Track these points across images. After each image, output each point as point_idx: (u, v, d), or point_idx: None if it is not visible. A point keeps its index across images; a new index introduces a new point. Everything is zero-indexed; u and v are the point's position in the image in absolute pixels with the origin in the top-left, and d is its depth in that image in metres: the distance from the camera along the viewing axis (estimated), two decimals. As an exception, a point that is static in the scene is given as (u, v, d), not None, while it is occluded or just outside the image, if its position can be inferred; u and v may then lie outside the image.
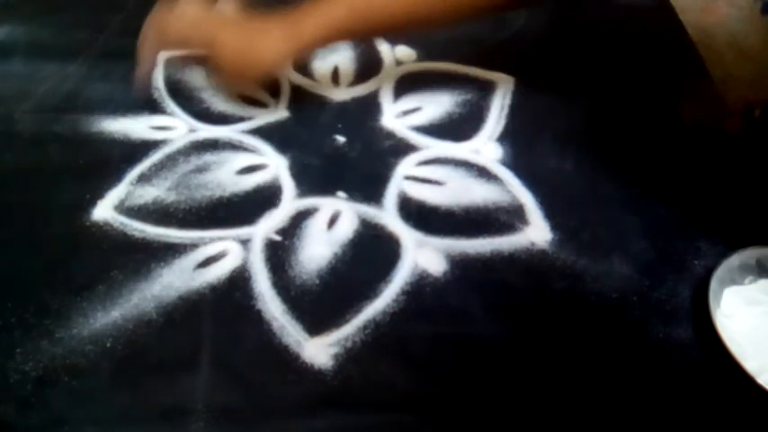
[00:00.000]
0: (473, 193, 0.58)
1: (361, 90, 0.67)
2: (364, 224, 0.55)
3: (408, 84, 0.68)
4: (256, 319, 0.47)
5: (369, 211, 0.56)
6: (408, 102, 0.66)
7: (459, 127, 0.64)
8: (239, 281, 0.50)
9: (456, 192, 0.58)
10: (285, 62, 0.65)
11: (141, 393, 0.43)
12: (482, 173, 0.60)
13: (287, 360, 0.45)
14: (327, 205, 0.56)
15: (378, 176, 0.59)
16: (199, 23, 0.60)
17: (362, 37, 0.71)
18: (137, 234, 0.52)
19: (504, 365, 0.47)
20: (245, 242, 0.53)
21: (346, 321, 0.48)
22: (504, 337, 0.48)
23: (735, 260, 0.51)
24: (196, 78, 0.67)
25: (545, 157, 0.61)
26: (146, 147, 0.59)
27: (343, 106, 0.65)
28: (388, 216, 0.55)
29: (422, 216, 0.55)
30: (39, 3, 0.74)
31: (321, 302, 0.49)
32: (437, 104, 0.66)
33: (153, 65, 0.66)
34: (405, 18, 0.59)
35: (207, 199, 0.56)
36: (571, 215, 0.56)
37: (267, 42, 0.58)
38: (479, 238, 0.54)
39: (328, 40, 0.61)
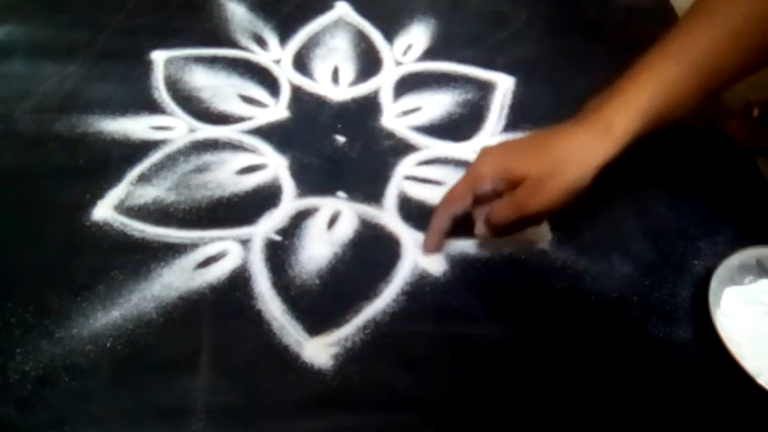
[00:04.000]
0: (473, 193, 0.58)
1: (361, 90, 0.67)
2: (364, 224, 0.55)
3: (408, 84, 0.68)
4: (256, 319, 0.47)
5: (369, 211, 0.56)
6: (408, 102, 0.66)
7: (459, 127, 0.64)
8: (239, 281, 0.50)
9: (456, 192, 0.58)
10: (596, 176, 0.46)
11: (141, 393, 0.43)
12: (482, 173, 0.59)
13: (287, 360, 0.45)
14: (327, 205, 0.56)
15: (378, 176, 0.59)
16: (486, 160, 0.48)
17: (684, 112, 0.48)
18: (137, 234, 0.52)
19: (504, 365, 0.47)
20: (245, 242, 0.53)
21: (346, 321, 0.48)
22: (504, 337, 0.48)
23: (735, 260, 0.51)
24: (196, 78, 0.67)
25: (545, 157, 0.61)
26: (146, 147, 0.59)
27: (343, 106, 0.65)
28: (388, 216, 0.55)
29: (422, 216, 0.55)
30: (39, 3, 0.74)
31: (321, 302, 0.49)
32: (437, 104, 0.66)
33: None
34: (739, 72, 0.47)
35: (207, 199, 0.56)
36: (571, 215, 0.56)
37: (572, 154, 0.45)
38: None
39: (645, 132, 0.46)
